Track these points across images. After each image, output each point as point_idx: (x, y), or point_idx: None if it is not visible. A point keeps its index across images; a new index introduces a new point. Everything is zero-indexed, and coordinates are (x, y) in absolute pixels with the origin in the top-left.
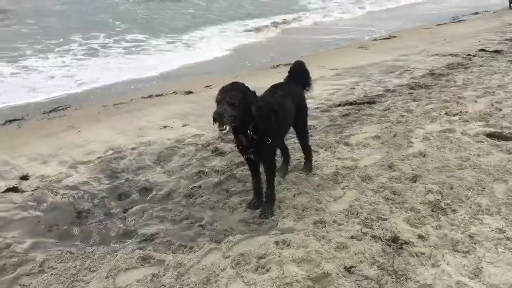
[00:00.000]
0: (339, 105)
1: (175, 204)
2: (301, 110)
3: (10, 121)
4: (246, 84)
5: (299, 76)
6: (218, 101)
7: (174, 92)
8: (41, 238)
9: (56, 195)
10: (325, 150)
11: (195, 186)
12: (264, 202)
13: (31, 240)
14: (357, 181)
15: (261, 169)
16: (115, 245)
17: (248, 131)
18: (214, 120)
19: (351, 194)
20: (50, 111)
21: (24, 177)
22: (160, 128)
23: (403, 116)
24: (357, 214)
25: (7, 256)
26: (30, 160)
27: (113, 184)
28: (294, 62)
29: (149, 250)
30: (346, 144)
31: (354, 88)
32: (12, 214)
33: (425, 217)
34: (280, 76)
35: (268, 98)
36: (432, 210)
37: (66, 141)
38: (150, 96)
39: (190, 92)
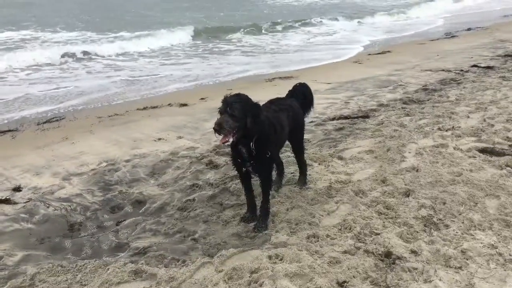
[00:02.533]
0: (333, 119)
1: (168, 217)
2: (298, 125)
3: (4, 132)
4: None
5: (300, 96)
6: (220, 112)
7: (169, 104)
8: (33, 251)
9: (48, 207)
10: (319, 164)
11: (189, 199)
12: (258, 216)
13: (22, 252)
14: (350, 195)
15: (254, 182)
16: (107, 258)
17: (251, 144)
18: (215, 130)
19: (345, 208)
20: (44, 122)
21: (17, 189)
22: (155, 140)
23: (396, 130)
24: (350, 229)
25: None
26: (23, 172)
27: (106, 196)
28: (297, 84)
29: (141, 263)
30: (340, 158)
31: (348, 102)
32: (4, 227)
33: (417, 232)
34: (276, 89)
35: (266, 112)
36: (425, 225)
37: (60, 153)
38: (145, 108)
39: (185, 105)
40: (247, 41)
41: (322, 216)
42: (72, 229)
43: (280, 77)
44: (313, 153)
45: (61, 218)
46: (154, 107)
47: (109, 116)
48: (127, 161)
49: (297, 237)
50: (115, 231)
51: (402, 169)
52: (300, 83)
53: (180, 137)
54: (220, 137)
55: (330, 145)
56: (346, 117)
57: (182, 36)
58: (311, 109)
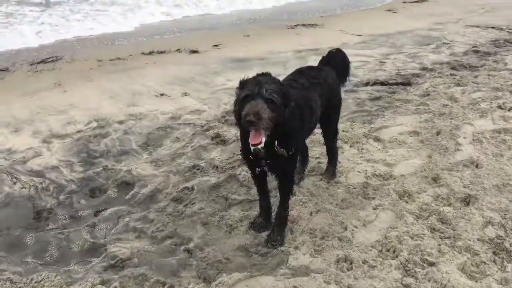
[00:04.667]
0: (367, 83)
1: (159, 213)
2: (334, 104)
3: None
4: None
5: (336, 65)
6: (249, 95)
7: (178, 50)
8: None
9: (15, 183)
10: (351, 147)
11: (187, 187)
12: (273, 225)
13: None
14: (393, 198)
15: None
16: (75, 266)
17: (276, 142)
18: (249, 123)
19: (386, 217)
20: (38, 62)
21: None
22: (156, 96)
23: (446, 105)
24: (395, 252)
25: None
26: (2, 126)
27: (87, 173)
28: (332, 50)
29: (115, 287)
30: (377, 139)
31: (384, 62)
32: None
33: (485, 263)
34: (298, 39)
35: (292, 88)
36: (494, 253)
37: (48, 103)
38: (151, 53)
39: (195, 52)
40: None
41: (357, 227)
42: (39, 218)
43: (304, 24)
44: (343, 130)
45: (27, 201)
46: (161, 52)
47: (111, 60)
48: (120, 122)
49: (323, 259)
50: (91, 226)
51: (458, 162)
52: (337, 49)
53: (185, 94)
54: (253, 133)
55: (364, 120)
56: (382, 83)
57: None
58: (347, 81)
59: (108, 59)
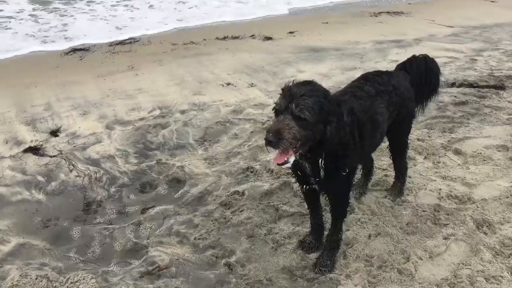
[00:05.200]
0: (453, 84)
1: (205, 218)
2: (403, 117)
3: (75, 50)
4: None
5: (417, 75)
6: (278, 110)
7: (252, 36)
8: (31, 238)
9: (71, 170)
10: (425, 159)
11: (237, 192)
12: (324, 248)
13: (17, 239)
14: (469, 227)
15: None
16: (114, 267)
17: (320, 160)
18: (268, 143)
19: (458, 250)
20: (117, 44)
21: (55, 132)
22: (222, 85)
23: None
24: None
25: None
26: (72, 108)
27: (141, 166)
28: (415, 56)
29: None
30: (457, 152)
31: (475, 59)
32: (13, 193)
33: None
34: (380, 28)
35: (349, 100)
36: None
37: (119, 86)
38: (225, 38)
39: (269, 38)
40: None
41: (421, 259)
42: (87, 210)
43: (388, 12)
44: (418, 139)
45: (79, 191)
46: (235, 38)
47: (184, 44)
48: (182, 112)
49: None
50: (136, 224)
51: None
52: (422, 56)
53: (252, 85)
54: (275, 152)
55: (445, 128)
56: (471, 85)
57: None
58: (434, 97)
59: (183, 42)
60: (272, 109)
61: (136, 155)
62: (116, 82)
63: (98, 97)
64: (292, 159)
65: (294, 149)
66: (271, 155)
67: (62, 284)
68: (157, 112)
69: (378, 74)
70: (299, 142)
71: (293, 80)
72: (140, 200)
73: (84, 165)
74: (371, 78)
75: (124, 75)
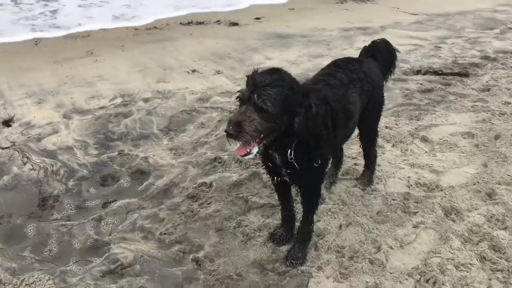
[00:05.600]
0: (418, 72)
1: (171, 211)
2: (373, 105)
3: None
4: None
5: (384, 59)
6: (242, 100)
7: (218, 21)
8: None
9: (25, 163)
10: (393, 146)
11: (205, 183)
12: (295, 239)
13: None
14: (438, 215)
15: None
16: (73, 266)
17: (289, 152)
18: (228, 135)
19: (428, 239)
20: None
21: (8, 122)
22: (188, 73)
23: (508, 104)
24: (435, 284)
25: None
26: (26, 96)
27: (101, 157)
28: (377, 40)
29: None
30: (425, 139)
31: (439, 47)
32: None
33: None
34: (346, 15)
35: (323, 89)
36: None
37: (77, 73)
38: (189, 23)
39: (235, 24)
40: None
41: (392, 248)
42: (43, 206)
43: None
44: (386, 126)
45: (34, 185)
46: (200, 23)
47: (147, 29)
48: (146, 100)
49: (350, 285)
50: (96, 219)
51: None
52: (382, 40)
53: (218, 72)
54: (237, 144)
55: (412, 115)
56: (436, 72)
57: None
58: (391, 74)
59: (145, 27)
60: (236, 98)
61: (96, 146)
62: (74, 69)
63: (54, 84)
64: (255, 150)
65: (257, 140)
66: (234, 147)
67: (16, 286)
68: (119, 100)
69: (348, 61)
70: (262, 134)
71: (260, 68)
72: (101, 194)
73: (39, 157)
74: (342, 65)
75: (83, 61)
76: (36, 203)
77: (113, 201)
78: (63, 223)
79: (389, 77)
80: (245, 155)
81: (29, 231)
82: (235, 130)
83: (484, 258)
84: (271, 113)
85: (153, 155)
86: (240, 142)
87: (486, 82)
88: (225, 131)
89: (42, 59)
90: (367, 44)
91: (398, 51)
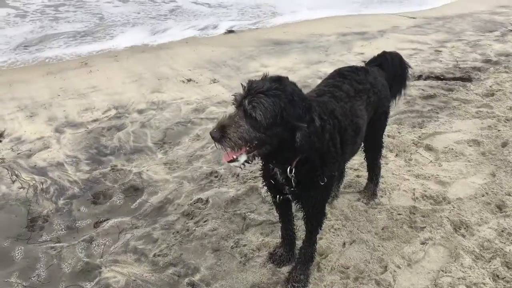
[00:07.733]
0: (420, 77)
1: (165, 231)
2: (379, 116)
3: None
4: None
5: (391, 71)
6: (236, 103)
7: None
8: None
9: (14, 181)
10: (397, 156)
11: (200, 200)
12: (297, 261)
13: None
14: (446, 230)
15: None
16: None
17: (289, 169)
18: (214, 139)
19: (437, 256)
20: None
21: None
22: (183, 82)
23: None
24: None
25: None
26: (18, 109)
27: (93, 174)
28: (386, 52)
29: None
30: (429, 148)
31: (440, 51)
32: None
33: None
34: (344, 20)
35: (329, 102)
36: None
37: (70, 84)
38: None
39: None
40: None
41: (399, 268)
42: (32, 227)
43: None
44: (388, 135)
45: (22, 205)
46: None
47: None
48: (140, 112)
49: None
50: (87, 240)
51: None
52: (392, 52)
53: (214, 81)
54: (225, 151)
55: (414, 123)
56: (438, 77)
57: None
58: (402, 93)
59: None
60: (231, 103)
61: (88, 161)
62: (67, 80)
63: (47, 96)
64: (242, 158)
65: (246, 149)
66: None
67: None
68: (113, 112)
69: (353, 70)
70: (248, 144)
71: (268, 74)
72: (92, 213)
73: (29, 174)
74: (347, 76)
75: (76, 72)
76: (25, 224)
77: (105, 220)
78: (53, 245)
79: (399, 98)
80: (231, 161)
81: (16, 254)
82: (219, 134)
83: (497, 276)
84: (260, 122)
85: (147, 170)
86: (222, 146)
87: (490, 86)
88: (210, 132)
89: (36, 71)
90: (365, 50)
91: (410, 67)
